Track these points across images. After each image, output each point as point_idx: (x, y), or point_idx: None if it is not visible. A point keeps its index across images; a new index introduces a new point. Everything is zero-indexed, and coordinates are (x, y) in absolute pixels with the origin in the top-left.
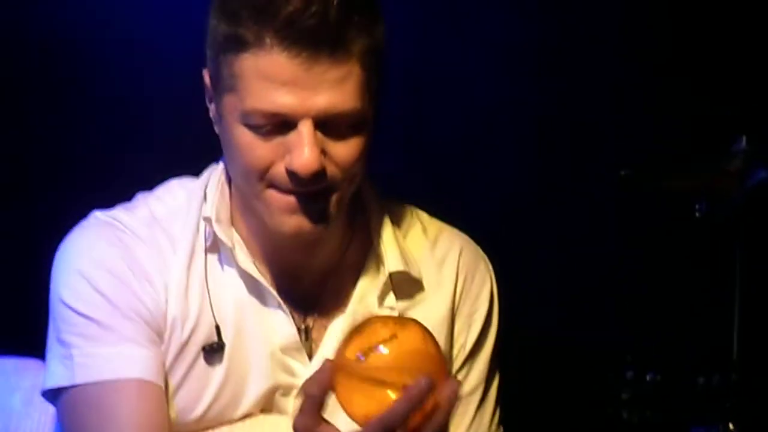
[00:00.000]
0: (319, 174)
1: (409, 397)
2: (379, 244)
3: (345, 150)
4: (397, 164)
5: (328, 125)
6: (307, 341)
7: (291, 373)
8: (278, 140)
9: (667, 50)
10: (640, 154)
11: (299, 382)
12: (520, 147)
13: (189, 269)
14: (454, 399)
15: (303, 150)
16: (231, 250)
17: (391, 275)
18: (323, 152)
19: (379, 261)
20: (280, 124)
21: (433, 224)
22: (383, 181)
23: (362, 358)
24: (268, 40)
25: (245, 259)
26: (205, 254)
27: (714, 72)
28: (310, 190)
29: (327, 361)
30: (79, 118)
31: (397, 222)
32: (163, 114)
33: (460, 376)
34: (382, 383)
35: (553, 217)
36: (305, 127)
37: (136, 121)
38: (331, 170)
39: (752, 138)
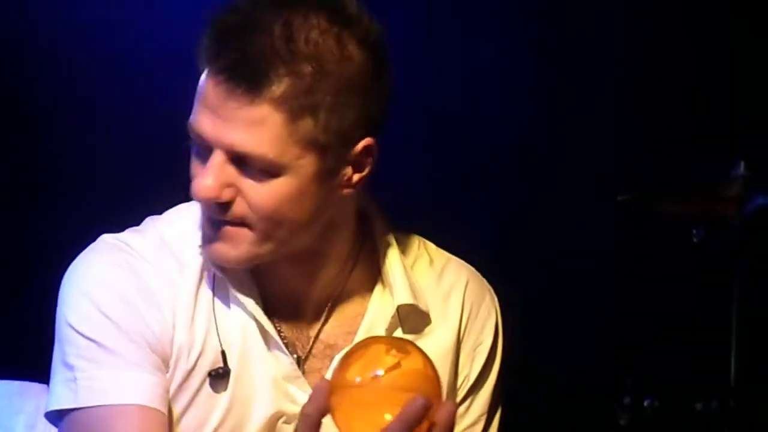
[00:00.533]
0: (222, 205)
1: (404, 417)
2: (387, 275)
3: (256, 192)
4: (396, 188)
5: (243, 163)
6: (310, 370)
7: (294, 401)
8: (205, 163)
9: (666, 75)
10: (637, 179)
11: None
12: (517, 171)
13: (197, 294)
14: (451, 421)
15: (202, 175)
16: (227, 284)
17: (398, 307)
18: (234, 187)
19: (386, 292)
20: (206, 147)
21: (440, 255)
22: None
23: (360, 381)
24: (206, 63)
25: (242, 294)
26: (213, 279)
27: (713, 97)
28: (219, 219)
29: (324, 381)
30: (90, 141)
31: (404, 252)
32: (173, 138)
33: (463, 408)
34: (380, 406)
35: (550, 242)
36: (214, 156)
37: (146, 145)
38: (242, 208)
39: (751, 164)
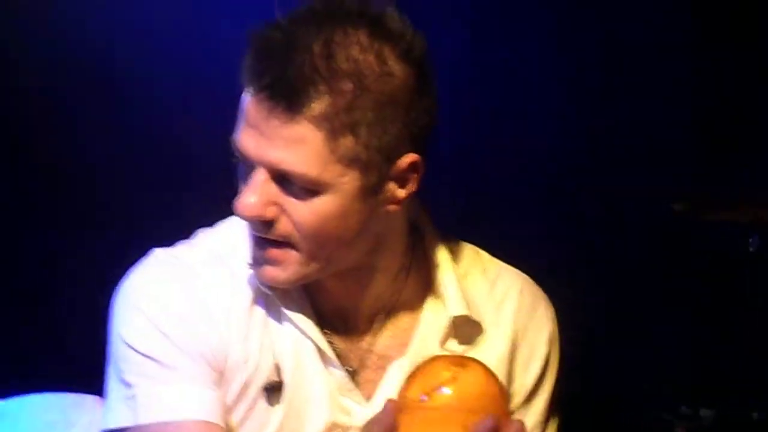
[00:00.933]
0: (266, 223)
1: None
2: (440, 286)
3: (299, 210)
4: (446, 197)
5: (285, 181)
6: (364, 381)
7: (347, 413)
8: (249, 181)
9: (720, 84)
10: (693, 187)
11: (356, 422)
12: (571, 181)
13: (250, 308)
14: None
15: (245, 193)
16: (277, 300)
17: (451, 318)
18: (278, 206)
19: (440, 303)
20: (250, 165)
21: (493, 264)
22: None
23: (425, 399)
24: (248, 82)
25: (294, 310)
26: (265, 295)
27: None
28: (264, 237)
29: (390, 401)
30: (140, 156)
31: (457, 262)
32: (224, 150)
33: (518, 417)
34: (446, 424)
35: (604, 251)
36: (257, 174)
37: (196, 158)
38: (286, 226)
39: None
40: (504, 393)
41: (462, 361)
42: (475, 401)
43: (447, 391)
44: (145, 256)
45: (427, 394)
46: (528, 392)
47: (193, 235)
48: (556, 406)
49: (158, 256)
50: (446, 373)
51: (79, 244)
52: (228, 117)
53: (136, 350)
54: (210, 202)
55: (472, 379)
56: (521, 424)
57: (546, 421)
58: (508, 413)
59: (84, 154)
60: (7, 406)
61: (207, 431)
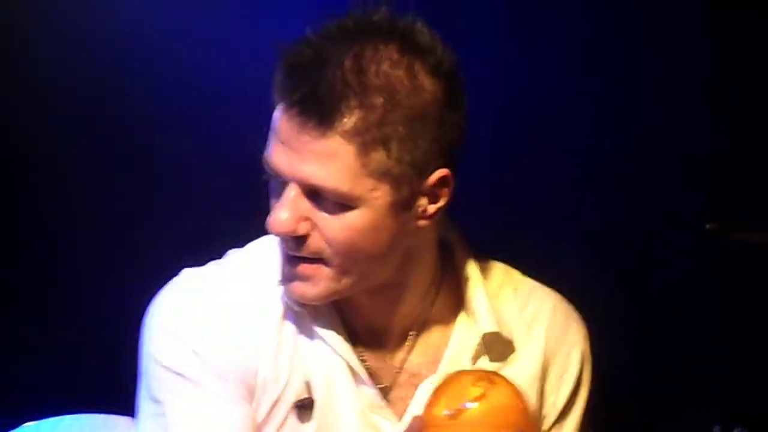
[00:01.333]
0: (298, 240)
1: None
2: (470, 302)
3: (331, 225)
4: (480, 209)
5: (317, 196)
6: (395, 399)
7: (378, 430)
8: (281, 197)
9: (760, 103)
10: (727, 207)
11: None
12: (604, 195)
13: (281, 325)
14: None
15: (277, 209)
16: (308, 317)
17: (483, 335)
18: (310, 221)
19: (471, 319)
20: (281, 182)
21: (525, 283)
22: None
23: (453, 416)
24: (279, 98)
25: (324, 327)
26: (295, 312)
27: None
28: (295, 255)
29: (416, 418)
30: (170, 178)
31: (488, 279)
32: (255, 171)
33: None
34: None
35: (637, 270)
36: (289, 189)
37: (226, 181)
38: (318, 242)
39: None
40: (531, 410)
41: (489, 377)
42: (504, 418)
43: (475, 407)
44: (175, 276)
45: (454, 410)
46: (559, 412)
47: (224, 256)
48: (587, 426)
49: (188, 275)
50: (474, 389)
51: (110, 264)
52: (260, 136)
53: (166, 367)
54: (242, 222)
55: (500, 395)
56: None
57: None
58: (533, 428)
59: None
60: (40, 427)
61: None
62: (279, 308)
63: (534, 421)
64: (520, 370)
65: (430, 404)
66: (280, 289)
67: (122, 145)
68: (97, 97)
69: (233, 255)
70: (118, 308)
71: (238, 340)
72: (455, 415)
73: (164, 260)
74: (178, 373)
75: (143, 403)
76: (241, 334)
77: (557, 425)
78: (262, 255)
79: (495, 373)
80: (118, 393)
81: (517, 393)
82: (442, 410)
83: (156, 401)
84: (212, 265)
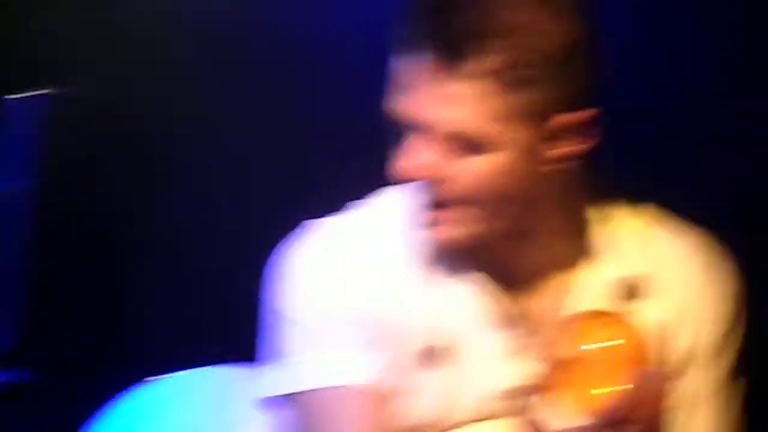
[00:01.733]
0: (432, 186)
1: (633, 388)
2: (602, 247)
3: (466, 169)
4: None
5: (450, 140)
6: (529, 343)
7: (513, 376)
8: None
9: None
10: None
11: (521, 385)
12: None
13: (410, 271)
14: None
15: (411, 156)
16: (440, 262)
17: (614, 279)
18: (444, 166)
19: (602, 264)
20: (414, 128)
21: (663, 223)
22: None
23: (582, 356)
24: (410, 43)
25: (456, 272)
26: (425, 258)
27: None
28: (431, 200)
29: (549, 359)
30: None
31: (619, 224)
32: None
33: (694, 382)
34: (606, 377)
35: None
36: (420, 135)
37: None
38: (454, 187)
39: None
40: (662, 353)
41: (615, 317)
42: (634, 355)
43: (606, 345)
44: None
45: (585, 351)
46: (706, 355)
47: (344, 208)
48: (738, 373)
49: (311, 226)
50: (602, 329)
51: (229, 217)
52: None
53: (293, 319)
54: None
55: (629, 337)
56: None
57: (725, 387)
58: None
59: None
60: (171, 381)
61: (367, 395)
62: (408, 254)
63: (665, 364)
64: (655, 314)
65: (562, 345)
66: (407, 235)
67: None
68: None
69: (354, 206)
70: (240, 260)
71: (365, 287)
72: (585, 355)
73: (279, 216)
74: (304, 324)
75: (269, 353)
76: (368, 281)
77: (703, 369)
78: (385, 203)
79: (619, 314)
80: (244, 345)
81: (646, 335)
82: (573, 351)
83: (284, 352)
84: (333, 217)
